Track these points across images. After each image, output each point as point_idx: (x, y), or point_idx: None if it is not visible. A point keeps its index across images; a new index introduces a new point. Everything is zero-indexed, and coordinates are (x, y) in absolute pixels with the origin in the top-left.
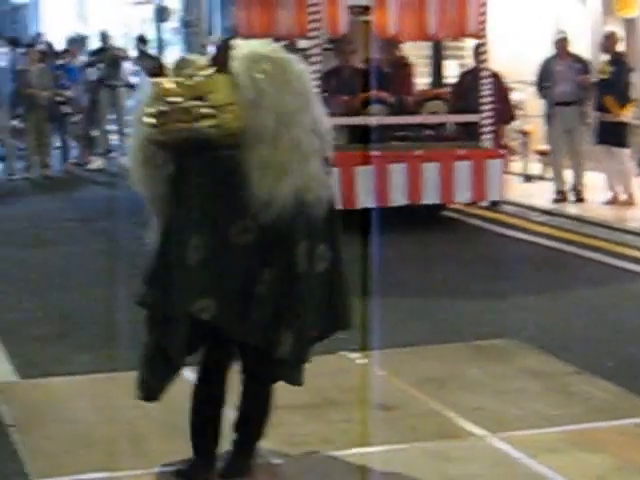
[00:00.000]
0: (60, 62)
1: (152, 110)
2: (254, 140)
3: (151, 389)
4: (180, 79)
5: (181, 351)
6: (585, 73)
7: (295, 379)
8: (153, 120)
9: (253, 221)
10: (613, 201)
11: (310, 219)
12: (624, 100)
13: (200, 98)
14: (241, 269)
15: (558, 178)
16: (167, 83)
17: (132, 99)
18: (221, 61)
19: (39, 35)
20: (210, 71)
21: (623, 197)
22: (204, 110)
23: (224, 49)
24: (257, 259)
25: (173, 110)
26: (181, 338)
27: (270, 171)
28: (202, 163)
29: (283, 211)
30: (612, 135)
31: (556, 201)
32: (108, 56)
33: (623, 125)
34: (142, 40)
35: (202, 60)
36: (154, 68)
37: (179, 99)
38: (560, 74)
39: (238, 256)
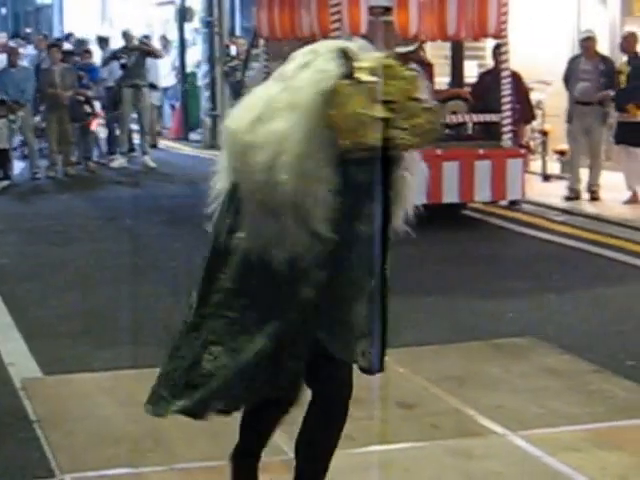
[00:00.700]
0: (83, 62)
1: (377, 113)
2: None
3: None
4: (392, 80)
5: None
6: (610, 74)
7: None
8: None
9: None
10: (632, 200)
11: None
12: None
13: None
14: None
15: (574, 176)
16: (384, 85)
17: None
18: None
19: (69, 35)
20: (412, 71)
21: None
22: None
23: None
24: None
25: (416, 113)
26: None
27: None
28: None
29: None
30: (631, 135)
31: (567, 199)
32: (131, 55)
33: None
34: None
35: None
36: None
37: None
38: (584, 73)
39: None
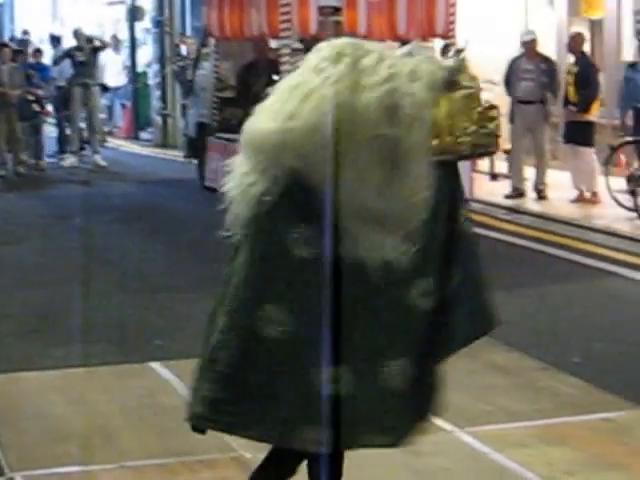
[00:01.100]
0: (34, 61)
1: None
2: None
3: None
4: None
5: None
6: (551, 73)
7: None
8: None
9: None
10: (579, 199)
11: None
12: (589, 99)
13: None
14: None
15: (516, 175)
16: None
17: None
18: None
19: (25, 33)
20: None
21: (588, 195)
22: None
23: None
24: None
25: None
26: None
27: None
28: None
29: None
30: (578, 134)
31: (509, 197)
32: (82, 54)
33: (589, 124)
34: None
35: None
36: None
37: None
38: (525, 73)
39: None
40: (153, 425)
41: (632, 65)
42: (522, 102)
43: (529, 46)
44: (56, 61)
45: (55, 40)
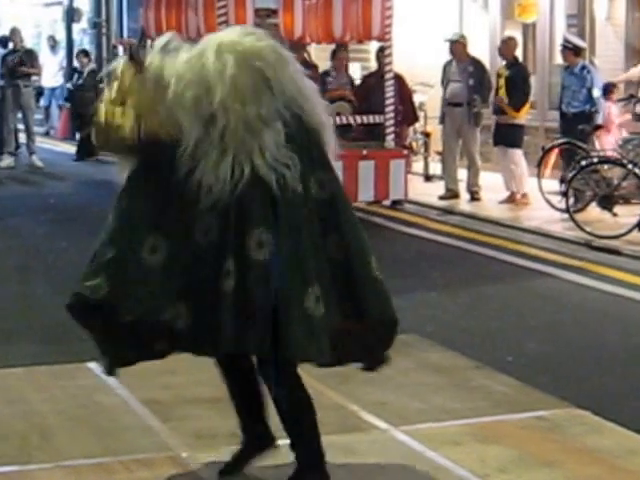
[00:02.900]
0: None
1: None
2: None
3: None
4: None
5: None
6: (479, 75)
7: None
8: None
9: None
10: (509, 200)
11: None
12: (520, 103)
13: (124, 101)
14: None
15: (448, 175)
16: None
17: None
18: (137, 61)
19: None
20: (129, 73)
21: (518, 197)
22: (118, 122)
23: (137, 52)
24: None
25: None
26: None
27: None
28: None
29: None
30: (507, 136)
31: (443, 198)
32: (15, 55)
33: (518, 127)
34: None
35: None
36: None
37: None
38: (454, 75)
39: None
40: (90, 424)
41: (567, 68)
42: (450, 104)
43: (453, 47)
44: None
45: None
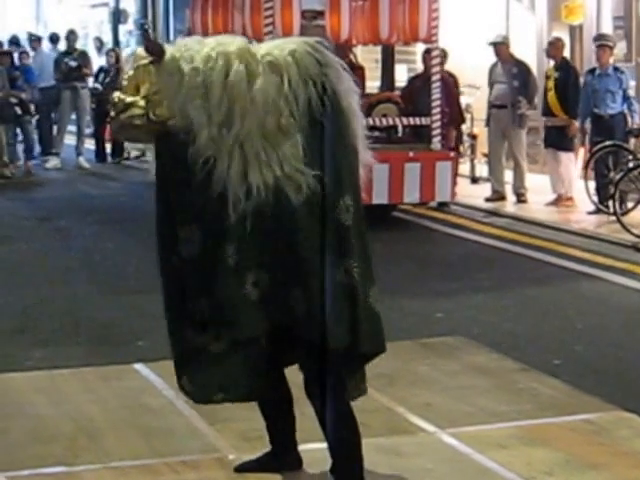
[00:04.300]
0: (20, 63)
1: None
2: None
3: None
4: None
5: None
6: (523, 77)
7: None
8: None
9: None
10: (556, 203)
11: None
12: (575, 106)
13: (138, 89)
14: None
15: (494, 178)
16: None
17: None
18: (152, 51)
19: (14, 36)
20: (144, 62)
21: (565, 199)
22: (129, 100)
23: (148, 40)
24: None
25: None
26: None
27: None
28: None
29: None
30: (558, 139)
31: (488, 200)
32: (72, 57)
33: (568, 129)
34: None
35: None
36: None
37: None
38: (499, 77)
39: None
40: (137, 426)
41: (591, 71)
42: (495, 106)
43: (497, 48)
44: (56, 65)
45: (35, 40)
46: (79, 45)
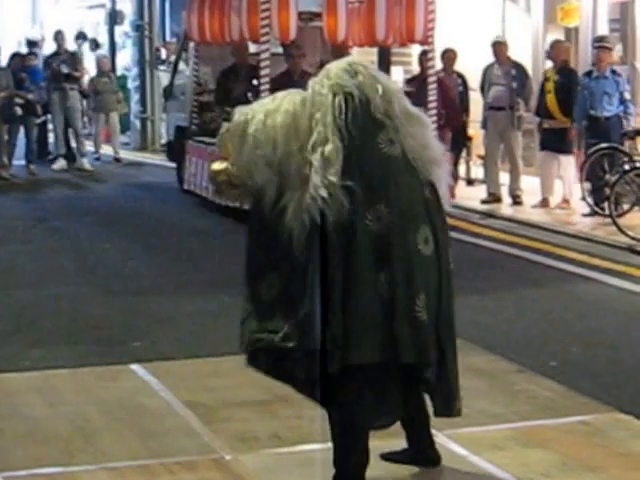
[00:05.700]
0: (27, 64)
1: None
2: None
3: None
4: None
5: None
6: (522, 79)
7: None
8: None
9: None
10: (542, 205)
11: None
12: (571, 108)
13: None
14: None
15: (490, 179)
16: None
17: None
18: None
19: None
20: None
21: (560, 201)
22: (214, 168)
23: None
24: None
25: None
26: None
27: None
28: None
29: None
30: (556, 142)
31: (485, 202)
32: (61, 58)
33: (566, 131)
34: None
35: None
36: None
37: None
38: (497, 79)
39: None
40: (133, 426)
41: (588, 73)
42: (492, 108)
43: (496, 49)
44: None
45: (32, 44)
46: (74, 47)
